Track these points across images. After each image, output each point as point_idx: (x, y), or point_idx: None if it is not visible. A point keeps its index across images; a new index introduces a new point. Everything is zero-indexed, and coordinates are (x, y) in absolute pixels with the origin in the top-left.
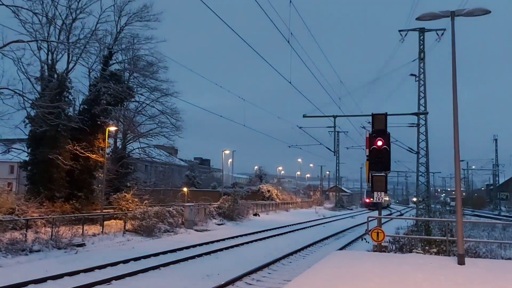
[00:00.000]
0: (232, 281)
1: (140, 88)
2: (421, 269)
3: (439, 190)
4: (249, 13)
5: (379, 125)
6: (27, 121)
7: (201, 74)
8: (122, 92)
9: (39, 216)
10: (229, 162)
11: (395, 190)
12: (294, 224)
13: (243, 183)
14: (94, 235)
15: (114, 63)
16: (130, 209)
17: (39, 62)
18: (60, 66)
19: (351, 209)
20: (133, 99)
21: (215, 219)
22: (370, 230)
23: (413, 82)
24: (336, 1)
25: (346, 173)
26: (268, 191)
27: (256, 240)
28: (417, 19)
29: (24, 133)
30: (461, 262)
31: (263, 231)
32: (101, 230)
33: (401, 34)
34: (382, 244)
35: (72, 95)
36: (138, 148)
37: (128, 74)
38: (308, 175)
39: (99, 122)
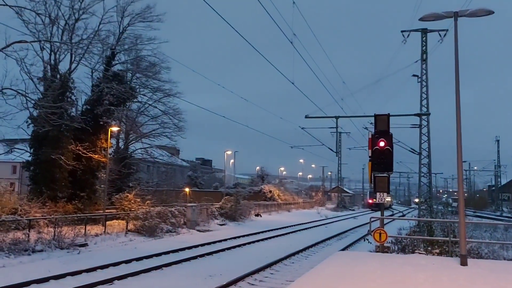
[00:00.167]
0: (234, 281)
1: (143, 88)
2: (424, 269)
3: (441, 191)
4: (252, 14)
5: (381, 126)
6: (29, 121)
7: (203, 74)
8: (125, 93)
9: (42, 216)
10: (231, 163)
11: (397, 191)
12: (296, 225)
13: (245, 184)
14: (96, 235)
15: (116, 64)
16: (132, 209)
17: (42, 62)
18: (63, 67)
19: (353, 210)
20: (135, 100)
21: (217, 219)
22: (372, 231)
23: (416, 83)
24: (339, 2)
25: (348, 174)
26: (270, 191)
27: (258, 241)
28: (420, 19)
29: (27, 133)
30: (463, 262)
31: (265, 231)
32: (104, 230)
33: (403, 35)
34: (385, 244)
35: (74, 96)
36: (141, 148)
37: (130, 74)
38: (310, 176)
39: (101, 123)
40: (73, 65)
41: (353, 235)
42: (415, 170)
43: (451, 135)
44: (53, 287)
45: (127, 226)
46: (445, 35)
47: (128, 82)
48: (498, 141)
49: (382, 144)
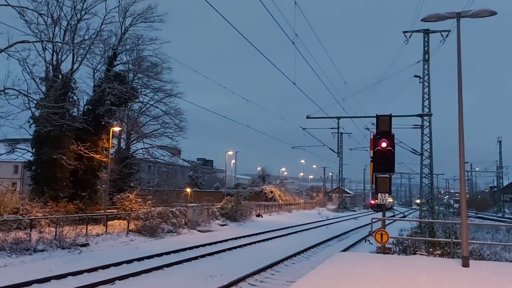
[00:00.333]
0: (235, 282)
1: (144, 88)
2: (425, 271)
3: (442, 192)
4: (253, 14)
5: (383, 127)
6: (31, 121)
7: (204, 74)
8: (126, 93)
9: (43, 216)
10: (232, 163)
11: (398, 192)
12: (297, 225)
13: (246, 184)
14: (97, 235)
15: (118, 64)
16: (133, 209)
17: (44, 62)
18: (65, 67)
19: (354, 211)
20: (137, 100)
21: (218, 219)
22: (374, 232)
23: (417, 84)
24: (340, 3)
25: (349, 175)
26: (271, 192)
27: (259, 241)
28: (422, 20)
29: (29, 133)
30: (465, 264)
31: (266, 232)
32: (105, 230)
33: (405, 36)
34: (386, 245)
35: (76, 96)
36: (142, 148)
37: (132, 74)
38: (311, 176)
39: (103, 123)
40: (75, 65)
41: (354, 236)
42: (417, 171)
43: (452, 136)
44: (54, 286)
45: (128, 226)
46: (447, 35)
47: (130, 82)
48: (500, 142)
49: (383, 144)
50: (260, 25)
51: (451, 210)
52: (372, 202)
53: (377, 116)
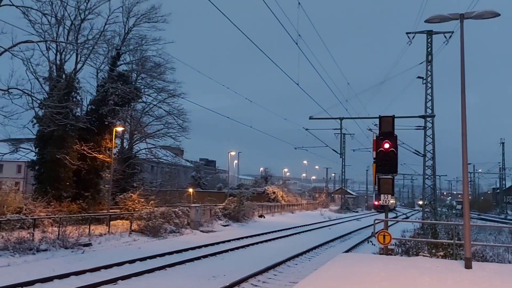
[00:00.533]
0: (237, 282)
1: (148, 89)
2: (428, 272)
3: (445, 193)
4: (257, 15)
5: (386, 128)
6: (35, 121)
7: (208, 75)
8: (130, 93)
9: (46, 215)
10: (234, 163)
11: (400, 193)
12: (300, 226)
13: (249, 185)
14: (100, 235)
15: (122, 64)
16: (136, 209)
17: (48, 62)
18: (69, 67)
19: (357, 212)
20: (140, 100)
21: (221, 220)
22: (376, 233)
23: (420, 85)
24: (344, 3)
25: (352, 175)
26: (274, 192)
27: (261, 242)
28: (426, 21)
29: (32, 133)
30: (468, 265)
31: (269, 232)
32: (108, 230)
33: (408, 37)
34: (389, 247)
35: (80, 96)
36: (145, 148)
37: (135, 75)
38: (313, 177)
39: (106, 123)
40: (79, 65)
41: (356, 237)
42: (419, 172)
43: (455, 137)
44: (57, 286)
45: (131, 226)
46: (450, 36)
47: (133, 83)
48: (503, 143)
49: (386, 145)
50: (264, 25)
51: (454, 211)
52: (376, 203)
53: (380, 117)
